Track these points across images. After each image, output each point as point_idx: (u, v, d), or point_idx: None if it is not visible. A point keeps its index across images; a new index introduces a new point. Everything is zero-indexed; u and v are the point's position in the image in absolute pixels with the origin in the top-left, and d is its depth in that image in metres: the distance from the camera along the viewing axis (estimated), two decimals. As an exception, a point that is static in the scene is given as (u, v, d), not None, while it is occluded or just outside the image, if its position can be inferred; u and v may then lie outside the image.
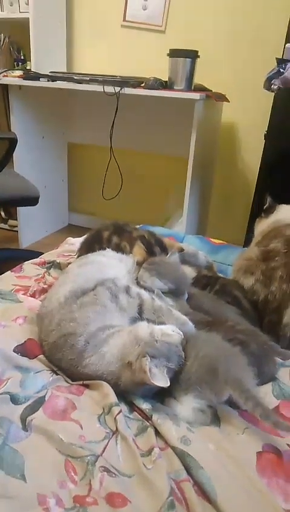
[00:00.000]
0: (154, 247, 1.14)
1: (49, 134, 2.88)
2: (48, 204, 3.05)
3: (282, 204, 1.34)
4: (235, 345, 0.84)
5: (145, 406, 0.75)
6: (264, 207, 1.35)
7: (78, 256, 1.29)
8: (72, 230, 3.29)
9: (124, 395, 0.77)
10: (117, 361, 0.77)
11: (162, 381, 0.72)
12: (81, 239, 1.50)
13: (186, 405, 0.75)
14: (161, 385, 0.72)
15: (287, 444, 0.71)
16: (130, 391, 0.77)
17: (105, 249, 1.17)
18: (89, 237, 1.31)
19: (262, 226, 1.31)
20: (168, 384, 0.72)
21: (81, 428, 0.70)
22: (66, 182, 3.23)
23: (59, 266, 1.28)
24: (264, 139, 1.90)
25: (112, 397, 0.74)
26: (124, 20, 2.70)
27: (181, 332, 0.80)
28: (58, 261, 1.29)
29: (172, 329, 0.80)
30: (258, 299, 1.04)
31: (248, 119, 2.50)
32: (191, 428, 0.72)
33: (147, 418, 0.74)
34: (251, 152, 2.48)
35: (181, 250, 1.11)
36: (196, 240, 1.56)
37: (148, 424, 0.73)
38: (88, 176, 3.14)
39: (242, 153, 2.63)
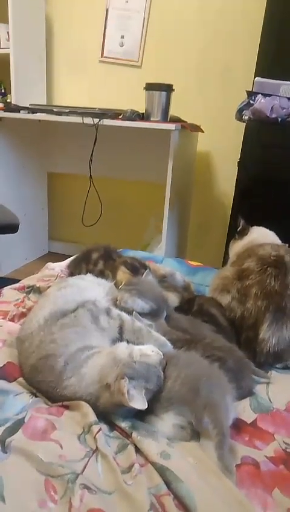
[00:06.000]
0: (140, 268, 1.17)
1: (29, 164, 2.93)
2: (28, 233, 3.06)
3: (254, 226, 1.39)
4: (213, 361, 0.86)
5: (124, 424, 0.75)
6: (238, 229, 1.40)
7: (69, 272, 1.33)
8: (52, 257, 3.28)
9: (104, 414, 0.78)
10: (96, 383, 0.77)
11: (140, 403, 0.73)
12: (62, 263, 1.52)
13: (167, 421, 0.76)
14: (139, 407, 0.73)
15: (265, 456, 0.73)
16: (110, 412, 0.77)
17: (91, 269, 1.22)
18: (79, 255, 1.38)
19: (237, 247, 1.36)
20: (146, 406, 0.73)
21: (61, 447, 0.69)
22: (46, 210, 3.26)
23: (39, 290, 1.28)
24: (238, 166, 1.98)
25: (92, 416, 0.75)
26: (102, 56, 2.82)
27: (161, 353, 0.82)
28: (37, 285, 1.29)
29: (151, 349, 0.81)
30: (235, 316, 1.07)
31: (222, 148, 2.61)
32: (170, 443, 0.73)
33: (127, 435, 0.74)
34: (226, 179, 2.58)
35: (163, 277, 1.15)
36: (174, 262, 1.59)
37: (128, 441, 0.73)
38: (68, 204, 3.18)
39: (218, 180, 2.73)
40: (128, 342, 0.86)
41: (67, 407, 0.79)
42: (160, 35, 2.64)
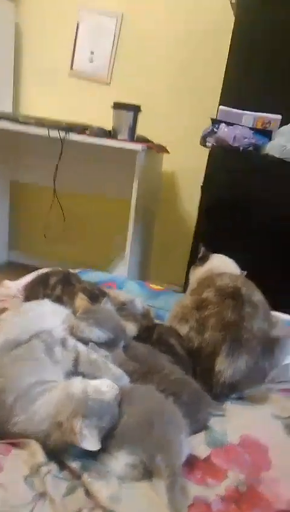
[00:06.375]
0: (99, 296, 1.15)
1: (-9, 172, 2.86)
2: (-13, 242, 2.97)
3: (215, 253, 1.42)
4: (168, 395, 0.85)
5: (75, 464, 0.72)
6: (199, 256, 1.42)
7: (25, 295, 1.28)
8: (11, 267, 3.20)
9: (54, 452, 0.75)
10: (48, 420, 0.74)
11: (92, 444, 0.70)
12: (18, 282, 1.47)
13: (120, 460, 0.74)
14: (91, 449, 0.71)
15: (216, 494, 0.72)
16: (60, 450, 0.74)
17: (48, 293, 1.18)
18: (36, 278, 1.33)
19: (197, 273, 1.37)
20: (99, 447, 0.71)
21: (6, 491, 0.66)
22: (7, 219, 3.18)
23: (-7, 312, 1.23)
24: (201, 190, 2.02)
25: (40, 456, 0.72)
26: (71, 69, 2.81)
27: (116, 387, 0.80)
28: (-9, 306, 1.25)
29: (106, 384, 0.79)
30: (193, 346, 1.08)
31: (187, 170, 2.65)
32: (122, 484, 0.71)
33: (78, 476, 0.71)
34: (191, 199, 2.61)
35: (123, 304, 1.14)
36: (135, 285, 1.58)
37: (78, 482, 0.70)
38: (30, 214, 3.12)
39: (182, 200, 2.77)
40: (83, 374, 0.85)
41: (15, 445, 0.75)
42: (130, 54, 2.67)
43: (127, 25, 2.64)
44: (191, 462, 0.79)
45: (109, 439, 0.75)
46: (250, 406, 1.00)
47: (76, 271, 1.65)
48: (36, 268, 1.50)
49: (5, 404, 0.76)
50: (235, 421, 0.93)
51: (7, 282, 1.47)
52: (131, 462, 0.73)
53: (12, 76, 2.88)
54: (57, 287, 1.20)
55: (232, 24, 2.13)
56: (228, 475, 0.77)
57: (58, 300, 1.16)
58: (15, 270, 3.09)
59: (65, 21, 2.73)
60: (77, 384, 0.78)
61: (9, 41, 2.79)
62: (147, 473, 0.74)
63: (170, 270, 2.81)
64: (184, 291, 1.76)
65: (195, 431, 0.86)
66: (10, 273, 3.07)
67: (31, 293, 1.23)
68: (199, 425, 0.88)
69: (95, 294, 1.14)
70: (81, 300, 1.11)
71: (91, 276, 1.61)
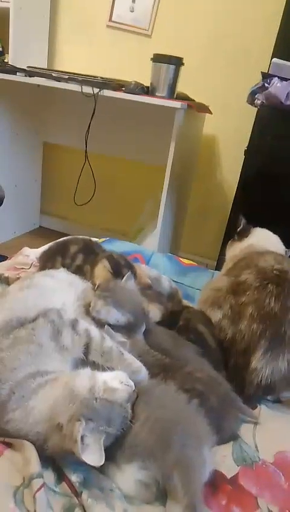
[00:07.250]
0: (123, 268, 1.01)
1: (24, 131, 2.73)
2: (18, 205, 2.89)
3: (257, 227, 1.23)
4: (192, 396, 0.72)
5: (75, 477, 0.61)
6: (238, 229, 1.24)
7: (41, 264, 1.17)
8: (43, 233, 3.13)
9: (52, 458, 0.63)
10: (45, 421, 0.62)
11: (94, 457, 0.58)
12: (38, 250, 1.36)
13: (128, 475, 0.61)
14: (92, 463, 0.58)
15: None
16: (59, 458, 0.63)
17: (68, 264, 1.06)
18: (53, 246, 1.19)
19: (234, 250, 1.20)
20: (102, 463, 0.58)
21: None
22: (40, 183, 3.08)
23: (7, 281, 1.12)
24: (244, 154, 1.81)
25: (35, 465, 0.60)
26: (110, 20, 2.58)
27: (132, 383, 0.67)
28: (6, 275, 1.14)
29: (120, 380, 0.65)
30: (225, 337, 0.92)
31: (230, 133, 2.42)
32: (129, 507, 0.59)
33: (76, 492, 0.60)
34: (231, 167, 2.39)
35: (149, 287, 0.99)
36: (164, 259, 1.43)
37: (76, 501, 0.59)
38: (62, 178, 3.00)
39: (222, 167, 2.55)
40: (94, 364, 0.72)
41: (9, 445, 0.65)
42: (174, 4, 2.40)
43: None
44: (215, 483, 0.65)
45: (117, 447, 0.63)
46: (289, 414, 0.84)
47: (101, 240, 1.52)
48: (65, 235, 1.39)
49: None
50: (270, 432, 0.78)
51: (26, 250, 1.36)
52: (142, 479, 0.61)
53: (48, 30, 2.69)
54: (77, 256, 1.07)
55: None
56: (258, 505, 0.63)
57: (79, 270, 1.03)
58: (47, 236, 3.02)
59: None
60: (84, 379, 0.65)
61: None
62: (161, 494, 0.61)
63: (203, 242, 2.64)
64: (217, 268, 1.60)
65: (221, 441, 0.73)
66: (41, 240, 3.01)
67: (47, 262, 1.11)
68: (225, 435, 0.74)
69: (120, 265, 0.99)
70: (103, 270, 0.97)
71: (116, 245, 1.48)
